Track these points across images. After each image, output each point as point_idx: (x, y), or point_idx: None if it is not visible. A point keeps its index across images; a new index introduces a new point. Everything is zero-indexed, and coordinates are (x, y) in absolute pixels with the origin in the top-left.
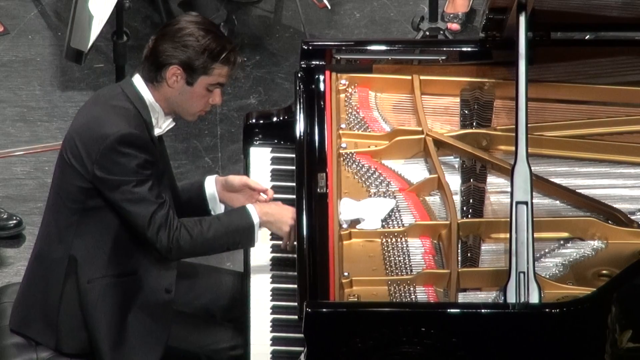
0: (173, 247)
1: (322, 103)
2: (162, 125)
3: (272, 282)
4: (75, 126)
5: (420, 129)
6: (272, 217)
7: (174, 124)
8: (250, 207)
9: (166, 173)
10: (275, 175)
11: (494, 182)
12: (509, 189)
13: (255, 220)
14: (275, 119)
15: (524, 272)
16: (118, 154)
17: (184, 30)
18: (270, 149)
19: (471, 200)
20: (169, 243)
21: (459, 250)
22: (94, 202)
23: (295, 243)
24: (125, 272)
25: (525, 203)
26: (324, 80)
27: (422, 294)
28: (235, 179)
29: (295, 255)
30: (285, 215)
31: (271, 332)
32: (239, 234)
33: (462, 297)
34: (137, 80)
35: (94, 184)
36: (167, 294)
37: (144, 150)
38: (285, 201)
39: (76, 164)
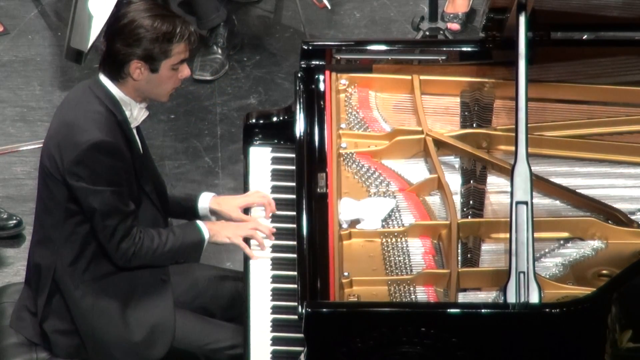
0: (133, 258)
1: (322, 103)
2: (137, 117)
3: (272, 282)
4: (51, 133)
5: (420, 129)
6: (217, 231)
7: (147, 113)
8: (201, 224)
9: (145, 166)
10: (275, 175)
11: (494, 182)
12: (509, 189)
13: (206, 236)
14: (275, 119)
15: (524, 272)
16: (90, 162)
17: (132, 24)
18: (270, 149)
19: (471, 201)
20: (129, 254)
21: (459, 251)
22: (76, 207)
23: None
24: (115, 271)
25: (525, 203)
26: (324, 80)
27: (422, 294)
28: (232, 213)
29: (295, 255)
30: (229, 228)
31: (271, 332)
32: (190, 248)
33: (462, 297)
34: (104, 79)
35: (69, 190)
36: (164, 282)
37: (116, 158)
38: (286, 201)
39: (53, 171)
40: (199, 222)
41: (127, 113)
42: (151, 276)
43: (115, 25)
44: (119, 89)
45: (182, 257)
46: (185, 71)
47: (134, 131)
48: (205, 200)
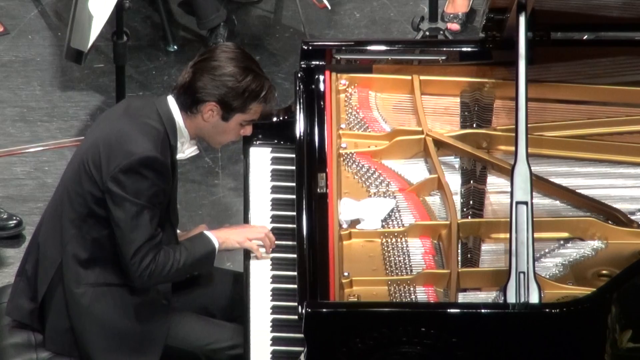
0: (150, 277)
1: (322, 103)
2: (185, 150)
3: (272, 282)
4: (103, 134)
5: (420, 129)
6: (225, 238)
7: (197, 152)
8: (208, 233)
9: (174, 196)
10: (275, 175)
11: (494, 182)
12: (509, 189)
13: (216, 244)
14: (275, 119)
15: (524, 272)
16: (137, 174)
17: (223, 68)
18: (270, 149)
19: (471, 201)
20: (146, 274)
21: (459, 251)
22: (101, 211)
23: (264, 252)
24: (119, 283)
25: (525, 203)
26: (324, 80)
27: (422, 294)
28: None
29: (295, 255)
30: (237, 233)
31: (271, 332)
32: (203, 260)
33: (462, 297)
34: (172, 103)
35: (103, 194)
36: (165, 301)
37: (162, 178)
38: (286, 201)
39: (94, 171)
40: (206, 232)
41: (178, 143)
42: (152, 297)
43: (208, 62)
44: (184, 119)
45: (195, 270)
46: (248, 130)
47: (177, 163)
48: None
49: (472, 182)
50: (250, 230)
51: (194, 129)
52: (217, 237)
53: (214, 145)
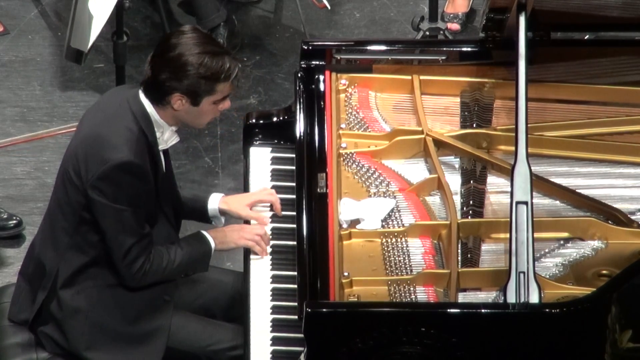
0: (143, 278)
1: (322, 103)
2: (167, 140)
3: (272, 282)
4: (80, 138)
5: (420, 129)
6: (222, 238)
7: (178, 139)
8: (206, 234)
9: (166, 187)
10: (275, 175)
11: (494, 182)
12: (509, 189)
13: (212, 245)
14: (275, 119)
15: (524, 272)
16: (114, 181)
17: (180, 58)
18: (270, 149)
19: (471, 201)
20: (139, 275)
21: (459, 251)
22: (91, 217)
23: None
24: (118, 283)
25: (525, 203)
26: (324, 80)
27: (422, 294)
28: (241, 212)
29: (295, 255)
30: (234, 233)
31: (271, 332)
32: (198, 260)
33: (462, 297)
34: (144, 99)
35: (88, 201)
36: (167, 297)
37: (140, 180)
38: (286, 201)
39: (76, 179)
40: (204, 232)
41: (158, 134)
42: (154, 294)
43: (164, 55)
44: (157, 112)
45: (191, 270)
46: (226, 104)
47: (161, 153)
48: (215, 202)
49: (472, 182)
50: (247, 230)
51: (169, 118)
52: (213, 238)
53: (197, 127)
